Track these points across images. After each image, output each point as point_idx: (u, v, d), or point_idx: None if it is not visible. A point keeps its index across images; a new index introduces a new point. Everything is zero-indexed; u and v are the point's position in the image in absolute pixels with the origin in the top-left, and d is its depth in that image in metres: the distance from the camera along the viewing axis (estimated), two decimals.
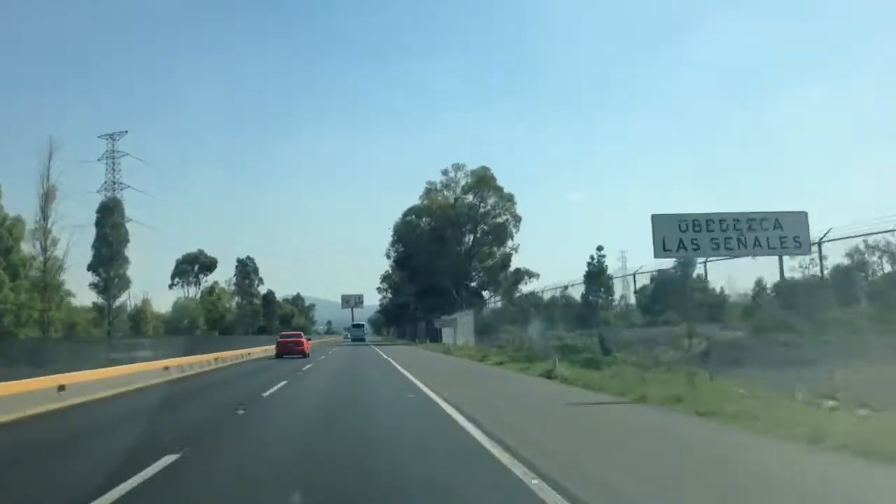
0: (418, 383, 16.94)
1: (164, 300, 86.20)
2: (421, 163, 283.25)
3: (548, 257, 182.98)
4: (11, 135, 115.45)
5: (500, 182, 70.89)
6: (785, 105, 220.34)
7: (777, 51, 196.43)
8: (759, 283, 18.73)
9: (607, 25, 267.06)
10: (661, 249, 13.26)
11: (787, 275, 15.52)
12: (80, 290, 59.53)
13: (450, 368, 24.67)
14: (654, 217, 13.34)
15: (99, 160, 75.05)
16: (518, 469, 6.36)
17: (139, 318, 68.52)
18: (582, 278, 26.70)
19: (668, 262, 18.80)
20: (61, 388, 13.73)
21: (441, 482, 6.13)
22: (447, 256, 69.53)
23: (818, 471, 6.13)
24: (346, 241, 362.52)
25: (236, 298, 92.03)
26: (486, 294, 70.20)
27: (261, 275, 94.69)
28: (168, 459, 6.91)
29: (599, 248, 26.44)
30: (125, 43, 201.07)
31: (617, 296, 27.02)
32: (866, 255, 16.51)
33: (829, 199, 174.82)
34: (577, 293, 27.81)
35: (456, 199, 72.10)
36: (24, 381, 12.82)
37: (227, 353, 31.81)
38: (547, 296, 33.34)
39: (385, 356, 35.33)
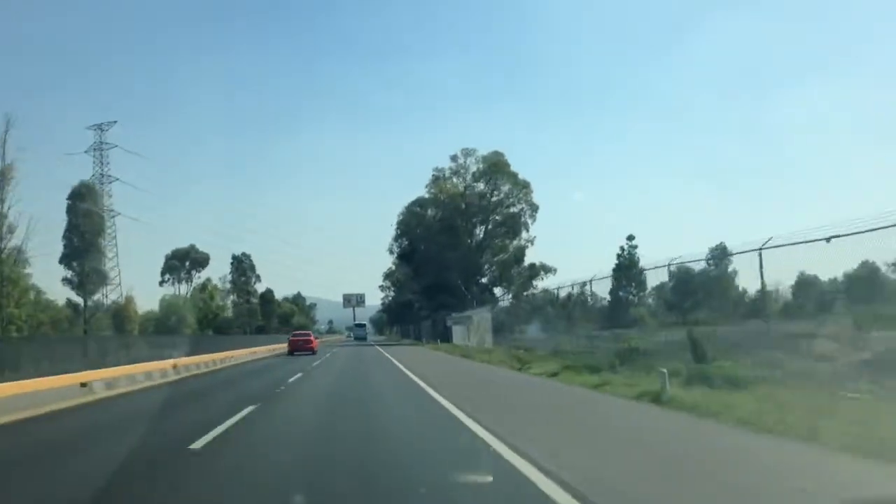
0: (474, 426, 8.94)
1: (154, 298, 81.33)
2: (421, 162, 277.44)
3: (556, 255, 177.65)
4: None
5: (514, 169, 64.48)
6: (785, 105, 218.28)
7: (777, 51, 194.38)
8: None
9: (607, 25, 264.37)
10: None
11: None
12: (55, 285, 54.40)
13: (490, 382, 17.35)
14: None
15: (86, 152, 69.88)
16: None
17: (123, 316, 63.18)
18: (610, 271, 25.63)
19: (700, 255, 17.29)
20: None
21: None
22: (456, 249, 62.95)
23: None
24: (346, 241, 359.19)
25: (232, 296, 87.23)
26: (497, 291, 64.49)
27: (258, 272, 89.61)
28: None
29: (630, 238, 21.68)
30: (125, 42, 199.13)
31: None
32: None
33: (830, 198, 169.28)
34: (594, 289, 24.44)
35: (466, 187, 65.38)
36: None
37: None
38: (563, 293, 28.78)
39: (397, 363, 29.69)
